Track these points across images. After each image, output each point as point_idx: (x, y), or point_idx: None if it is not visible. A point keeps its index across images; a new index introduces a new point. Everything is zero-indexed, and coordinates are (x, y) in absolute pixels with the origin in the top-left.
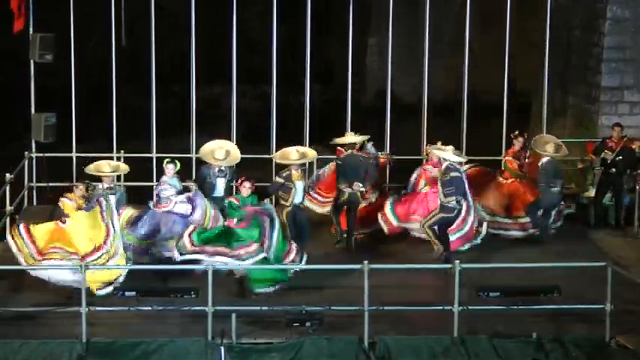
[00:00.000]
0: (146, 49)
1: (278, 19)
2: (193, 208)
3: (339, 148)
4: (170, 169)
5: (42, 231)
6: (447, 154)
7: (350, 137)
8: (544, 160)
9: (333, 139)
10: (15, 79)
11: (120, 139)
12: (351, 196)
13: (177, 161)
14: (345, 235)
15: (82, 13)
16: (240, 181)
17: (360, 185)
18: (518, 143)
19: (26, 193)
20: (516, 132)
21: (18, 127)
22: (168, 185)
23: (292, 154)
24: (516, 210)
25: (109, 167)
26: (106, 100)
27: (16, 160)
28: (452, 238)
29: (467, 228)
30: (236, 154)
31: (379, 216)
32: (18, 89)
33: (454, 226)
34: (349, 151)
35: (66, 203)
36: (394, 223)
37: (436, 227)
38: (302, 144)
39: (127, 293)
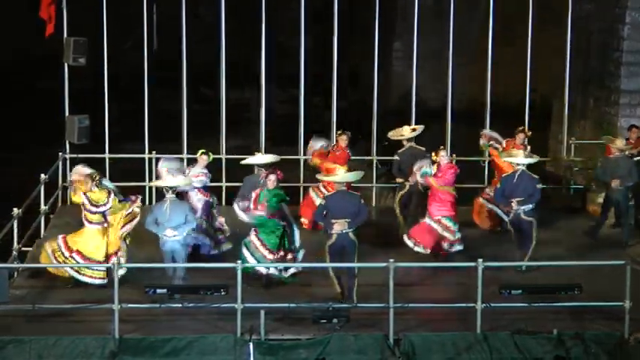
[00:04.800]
0: (177, 52)
1: (307, 25)
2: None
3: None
4: (204, 159)
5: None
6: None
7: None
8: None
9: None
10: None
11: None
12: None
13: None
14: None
15: (115, 17)
16: (265, 173)
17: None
18: (519, 138)
19: (60, 193)
20: (520, 127)
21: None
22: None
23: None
24: None
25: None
26: (138, 102)
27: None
28: None
29: None
30: None
31: None
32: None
33: None
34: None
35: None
36: None
37: None
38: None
39: (158, 291)
